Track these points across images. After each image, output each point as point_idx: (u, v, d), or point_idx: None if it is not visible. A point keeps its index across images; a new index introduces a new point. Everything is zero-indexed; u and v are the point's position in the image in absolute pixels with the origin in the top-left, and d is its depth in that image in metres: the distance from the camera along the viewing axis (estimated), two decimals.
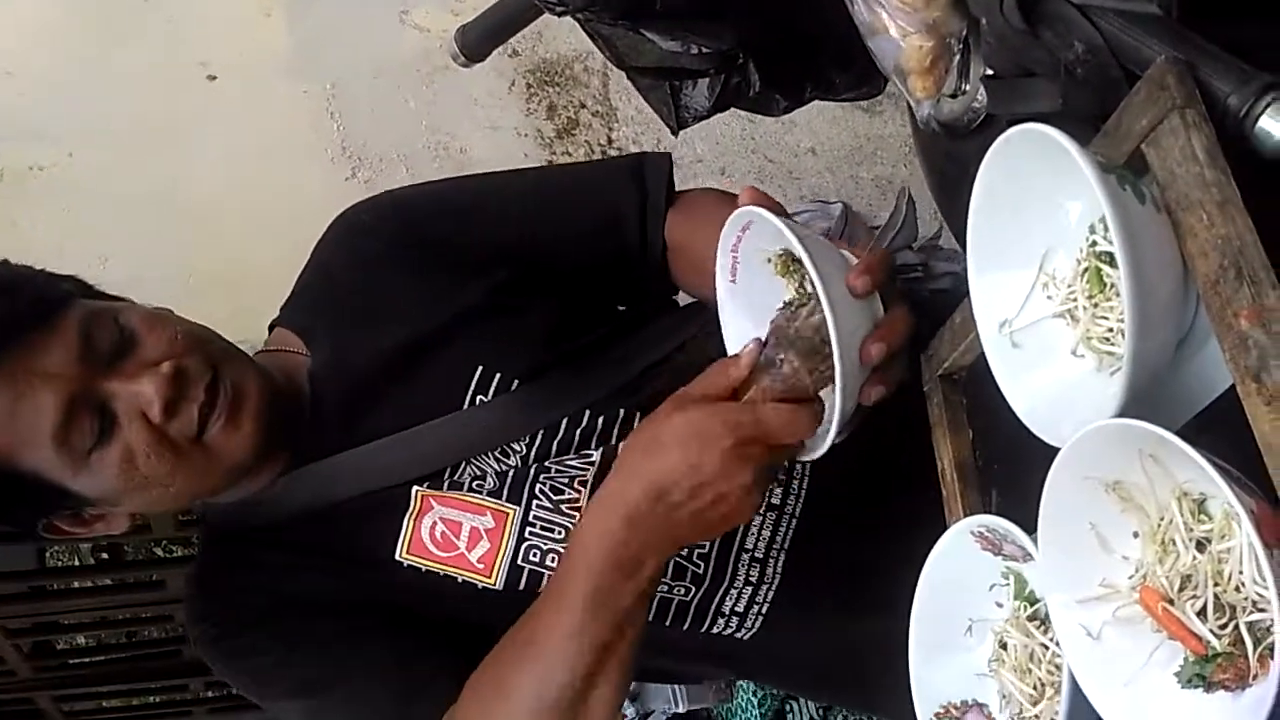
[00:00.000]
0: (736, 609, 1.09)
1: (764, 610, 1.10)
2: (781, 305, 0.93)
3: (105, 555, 2.97)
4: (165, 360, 0.98)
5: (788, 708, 1.81)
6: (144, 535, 2.66)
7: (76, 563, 3.36)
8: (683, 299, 1.22)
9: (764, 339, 0.91)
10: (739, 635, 1.11)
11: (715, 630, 1.10)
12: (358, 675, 1.05)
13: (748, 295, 0.95)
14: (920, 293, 1.13)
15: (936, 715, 0.86)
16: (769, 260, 0.94)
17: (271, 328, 1.19)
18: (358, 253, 1.15)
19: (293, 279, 1.21)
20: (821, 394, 0.91)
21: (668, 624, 1.08)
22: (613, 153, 1.90)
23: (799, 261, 0.89)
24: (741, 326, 0.96)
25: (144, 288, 1.94)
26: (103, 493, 1.01)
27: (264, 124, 1.86)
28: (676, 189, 1.19)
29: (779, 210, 0.93)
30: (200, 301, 1.97)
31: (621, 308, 1.17)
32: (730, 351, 0.95)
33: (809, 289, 0.90)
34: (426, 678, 1.03)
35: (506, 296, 1.11)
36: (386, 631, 1.06)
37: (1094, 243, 0.73)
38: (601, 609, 0.91)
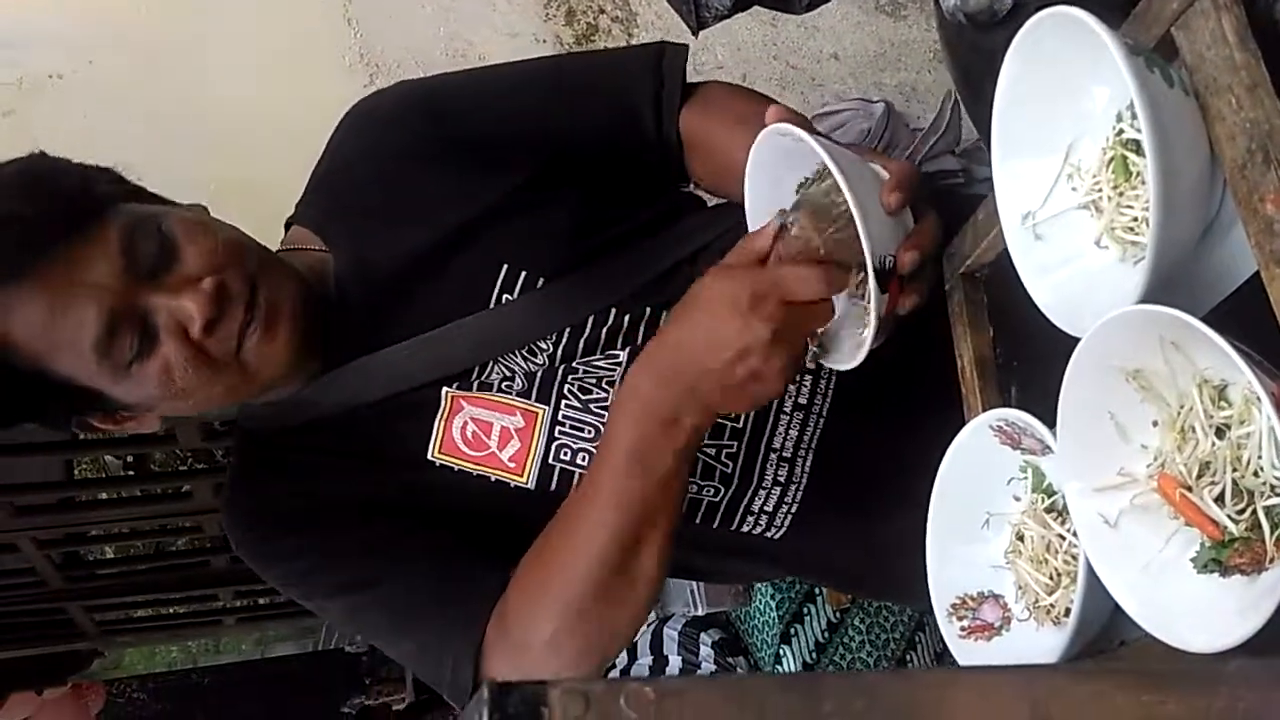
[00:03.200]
0: (766, 508, 1.10)
1: (793, 510, 1.10)
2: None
3: (132, 467, 3.01)
4: (206, 275, 0.97)
5: (805, 610, 1.84)
6: (170, 445, 2.69)
7: (104, 475, 3.41)
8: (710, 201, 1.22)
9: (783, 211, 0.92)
10: (769, 534, 1.12)
11: (745, 529, 1.11)
12: (397, 575, 1.06)
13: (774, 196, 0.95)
14: (960, 196, 1.12)
15: (953, 606, 0.87)
16: (802, 180, 0.95)
17: (288, 225, 1.18)
18: (376, 144, 1.13)
19: None
20: (857, 303, 0.92)
21: (698, 522, 1.09)
22: None
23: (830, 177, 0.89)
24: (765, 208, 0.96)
25: (161, 193, 1.95)
26: (138, 400, 1.02)
27: (282, 31, 1.84)
28: (703, 82, 1.18)
29: (809, 128, 0.93)
30: (220, 210, 1.97)
31: (646, 205, 1.16)
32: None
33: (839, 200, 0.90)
34: (465, 573, 1.04)
35: (530, 193, 1.10)
36: (425, 531, 1.07)
37: (1120, 130, 0.73)
38: (640, 467, 0.93)
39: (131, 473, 3.08)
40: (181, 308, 0.96)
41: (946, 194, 1.14)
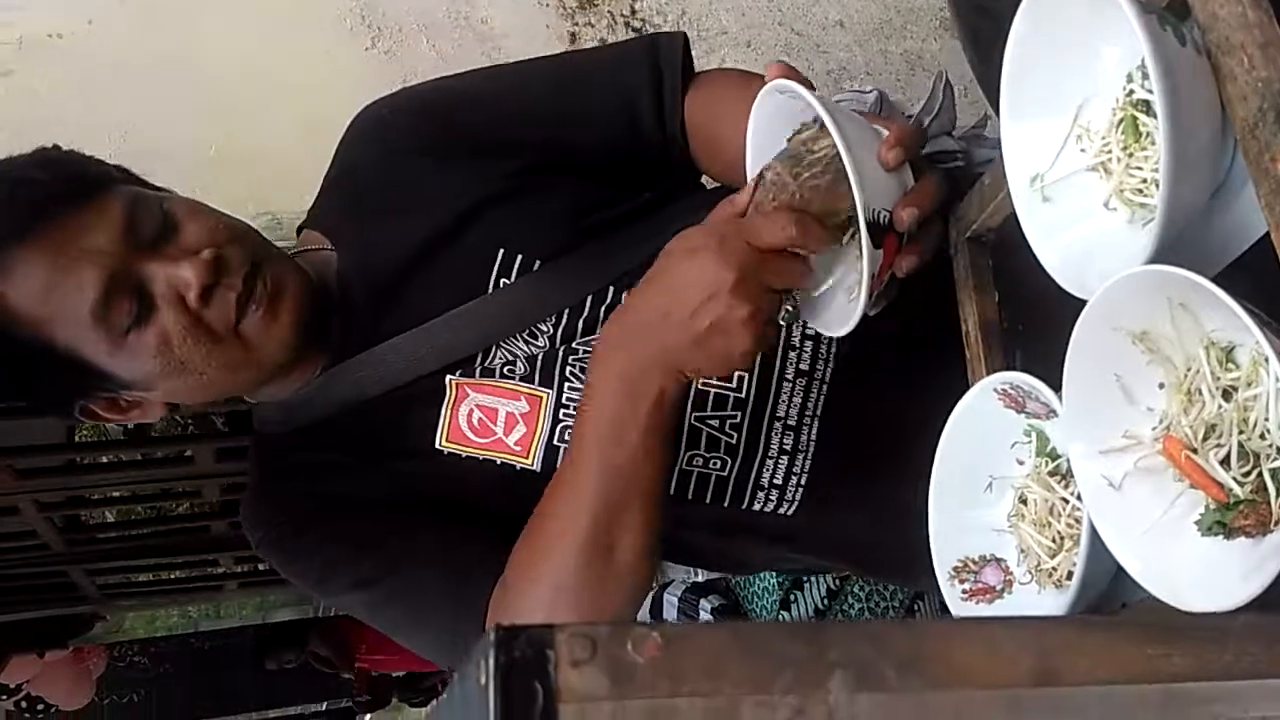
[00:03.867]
0: (775, 481, 1.09)
1: (803, 481, 1.09)
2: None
3: (132, 431, 3.02)
4: (206, 247, 0.98)
5: (805, 577, 1.84)
6: (171, 410, 2.69)
7: (105, 438, 3.41)
8: (708, 184, 1.21)
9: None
10: (782, 510, 1.10)
11: (757, 506, 1.10)
12: (411, 566, 1.06)
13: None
14: (960, 177, 1.11)
15: (954, 569, 0.87)
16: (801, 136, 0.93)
17: (300, 231, 1.19)
18: (379, 146, 1.15)
19: (313, 151, 1.20)
20: (851, 264, 0.91)
21: (709, 501, 1.08)
22: (635, 24, 1.86)
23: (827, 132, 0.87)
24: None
25: (165, 159, 1.94)
26: (138, 375, 1.02)
27: None
28: (697, 68, 1.17)
29: (808, 85, 0.91)
30: (221, 173, 1.97)
31: (646, 193, 1.16)
32: None
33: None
34: (475, 559, 1.04)
35: (527, 178, 1.10)
36: (435, 521, 1.08)
37: (1131, 91, 0.72)
38: (611, 437, 0.92)
39: (133, 433, 3.09)
40: (178, 274, 0.97)
41: (947, 175, 1.13)
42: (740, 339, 0.87)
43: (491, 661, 0.41)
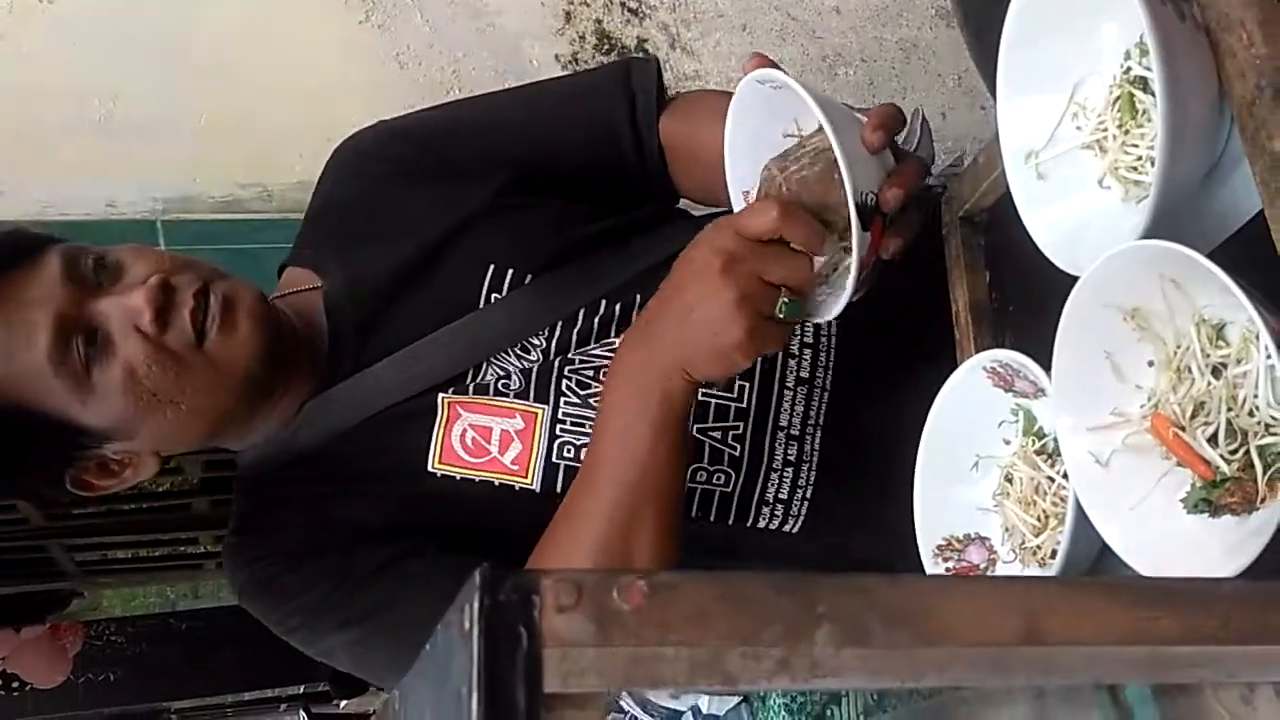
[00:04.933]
0: (780, 495, 1.07)
1: (808, 495, 1.08)
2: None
3: None
4: (153, 275, 0.97)
5: None
6: (163, 461, 2.67)
7: None
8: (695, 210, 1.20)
9: None
10: (787, 528, 1.08)
11: (762, 524, 1.08)
12: (405, 600, 1.02)
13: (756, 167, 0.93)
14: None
15: (938, 547, 0.87)
16: (783, 136, 0.92)
17: (280, 270, 1.17)
18: (360, 177, 1.14)
19: (305, 122, 1.19)
20: (833, 249, 0.90)
21: (713, 519, 1.07)
22: (630, 3, 1.85)
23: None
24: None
25: (155, 127, 1.93)
26: (115, 419, 0.99)
27: None
28: (693, 50, 1.17)
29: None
30: (212, 144, 1.95)
31: (626, 215, 1.15)
32: None
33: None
34: None
35: (512, 197, 1.10)
36: (432, 550, 1.04)
37: (1128, 68, 0.72)
38: (623, 443, 0.90)
39: None
40: (129, 302, 0.96)
41: (930, 200, 1.12)
42: (730, 327, 0.85)
43: (476, 605, 0.40)
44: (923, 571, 0.88)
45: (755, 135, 0.91)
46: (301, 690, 4.95)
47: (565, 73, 1.89)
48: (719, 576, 0.43)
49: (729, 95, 1.05)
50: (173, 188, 1.88)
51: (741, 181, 0.93)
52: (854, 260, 0.85)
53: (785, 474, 1.07)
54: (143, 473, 1.06)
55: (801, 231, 0.84)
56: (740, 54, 1.79)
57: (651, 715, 1.96)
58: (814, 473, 1.08)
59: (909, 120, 1.05)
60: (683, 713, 1.84)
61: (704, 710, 1.84)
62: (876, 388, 1.08)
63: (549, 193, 1.12)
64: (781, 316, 0.86)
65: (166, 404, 0.98)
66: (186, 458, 2.68)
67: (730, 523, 1.07)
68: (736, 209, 0.93)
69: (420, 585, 1.02)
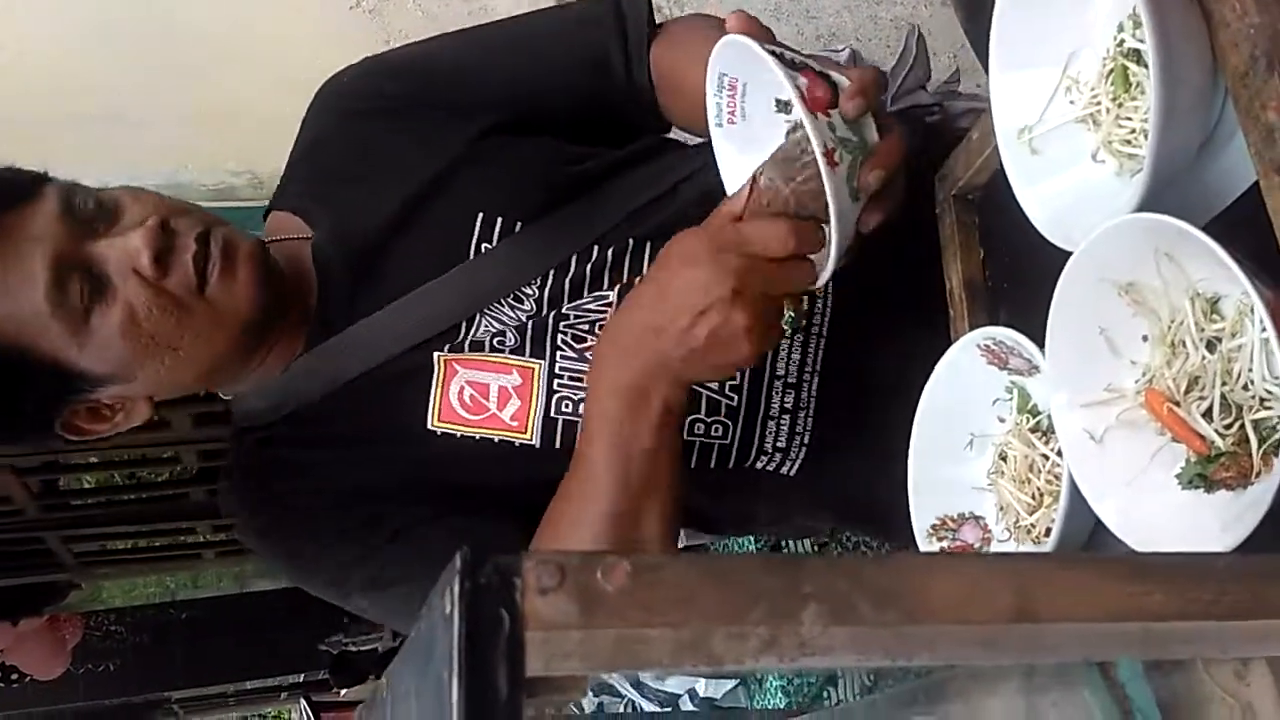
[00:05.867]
0: (779, 444, 1.07)
1: (805, 440, 1.07)
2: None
3: None
4: (151, 217, 0.96)
5: (784, 545, 1.84)
6: (154, 407, 2.66)
7: None
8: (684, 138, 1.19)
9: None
10: (784, 470, 1.09)
11: (759, 466, 1.08)
12: (418, 565, 1.03)
13: (744, 138, 0.91)
14: (939, 130, 1.10)
15: (932, 527, 0.86)
16: (774, 103, 0.91)
17: (266, 213, 1.15)
18: (344, 119, 1.12)
19: (295, 110, 1.17)
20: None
21: (713, 466, 1.06)
22: None
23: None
24: (741, 168, 0.92)
25: (145, 118, 1.92)
26: (112, 364, 0.98)
27: None
28: (671, 19, 1.15)
29: (765, 36, 0.88)
30: (202, 131, 1.94)
31: (621, 147, 1.13)
32: (729, 192, 0.92)
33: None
34: (490, 544, 1.01)
35: (498, 139, 1.08)
36: (439, 512, 1.05)
37: (1121, 41, 0.71)
38: (618, 449, 0.91)
39: None
40: (127, 243, 0.95)
41: (926, 129, 1.12)
42: (739, 349, 0.86)
43: (456, 589, 0.40)
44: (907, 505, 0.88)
45: (735, 91, 0.90)
46: (302, 679, 4.96)
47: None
48: (703, 557, 0.42)
49: (717, 22, 1.04)
50: (164, 176, 1.87)
51: (730, 166, 0.92)
52: (833, 241, 0.84)
53: (782, 421, 1.07)
54: (134, 418, 1.06)
55: (811, 245, 0.86)
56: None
57: (648, 699, 1.96)
58: (811, 419, 1.07)
59: (904, 40, 1.04)
60: (680, 695, 1.85)
61: (701, 694, 1.84)
62: (872, 334, 1.06)
63: (537, 130, 1.10)
64: (788, 329, 0.91)
65: (165, 349, 0.97)
66: (183, 447, 2.68)
67: (729, 468, 1.07)
68: (727, 182, 0.93)
69: (435, 551, 1.00)
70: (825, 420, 1.07)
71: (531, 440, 1.03)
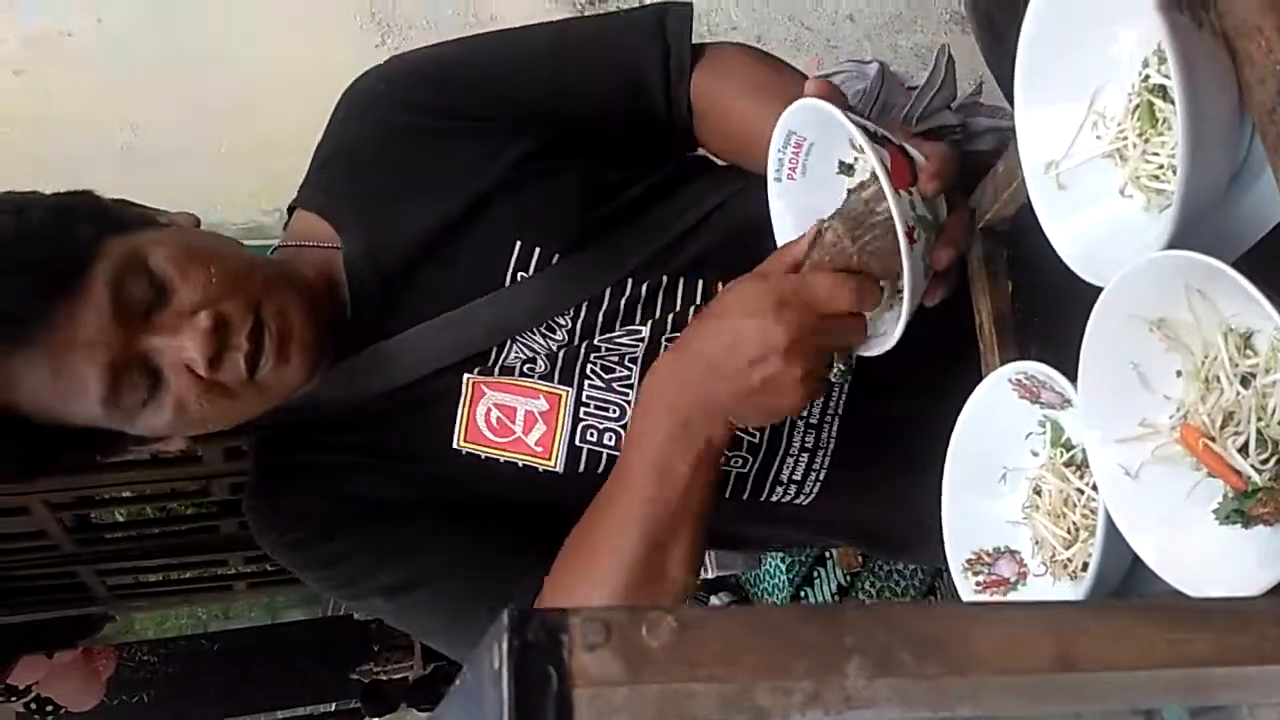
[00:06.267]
0: (794, 478, 1.08)
1: (821, 476, 1.09)
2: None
3: None
4: (202, 309, 0.94)
5: (815, 574, 1.84)
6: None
7: None
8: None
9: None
10: (799, 502, 1.10)
11: (774, 499, 1.09)
12: (439, 575, 1.05)
13: (801, 193, 0.94)
14: (961, 153, 1.10)
15: (968, 561, 0.86)
16: (837, 164, 0.93)
17: (290, 209, 1.15)
18: (376, 124, 1.10)
19: None
20: (889, 296, 0.91)
21: (728, 496, 1.07)
22: None
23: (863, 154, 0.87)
24: (793, 222, 0.95)
25: (177, 155, 1.94)
26: (159, 434, 1.01)
27: None
28: (713, 44, 1.15)
29: (842, 102, 0.90)
30: (232, 170, 1.97)
31: (655, 168, 1.13)
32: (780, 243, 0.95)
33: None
34: (509, 564, 1.03)
35: (537, 162, 1.07)
36: (461, 527, 1.06)
37: (1147, 76, 0.72)
38: (657, 479, 0.92)
39: None
40: (181, 348, 0.93)
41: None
42: (790, 398, 0.89)
43: (505, 646, 0.40)
44: (934, 530, 0.89)
45: (801, 165, 0.93)
46: (334, 708, 4.96)
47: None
48: (747, 610, 0.42)
49: (760, 54, 1.05)
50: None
51: (784, 220, 0.94)
52: (904, 313, 0.87)
53: (801, 459, 1.08)
54: (171, 446, 1.07)
55: (871, 303, 0.89)
56: None
57: None
58: (829, 458, 1.09)
59: (934, 59, 1.06)
60: None
61: None
62: (897, 378, 1.06)
63: (573, 150, 1.09)
64: (835, 381, 0.93)
65: (210, 422, 1.00)
66: (214, 480, 2.69)
67: (744, 498, 1.09)
68: (780, 233, 0.95)
69: (456, 564, 1.05)
70: (842, 458, 1.09)
71: (555, 467, 1.04)
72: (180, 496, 2.96)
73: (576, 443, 1.03)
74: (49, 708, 4.00)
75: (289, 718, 5.16)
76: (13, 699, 3.84)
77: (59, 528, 2.69)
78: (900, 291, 0.86)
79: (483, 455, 1.05)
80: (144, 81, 1.81)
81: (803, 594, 1.83)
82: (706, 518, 0.95)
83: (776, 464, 1.08)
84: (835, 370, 0.92)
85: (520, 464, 1.04)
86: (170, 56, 1.81)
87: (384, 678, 4.53)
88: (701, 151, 1.18)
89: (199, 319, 0.93)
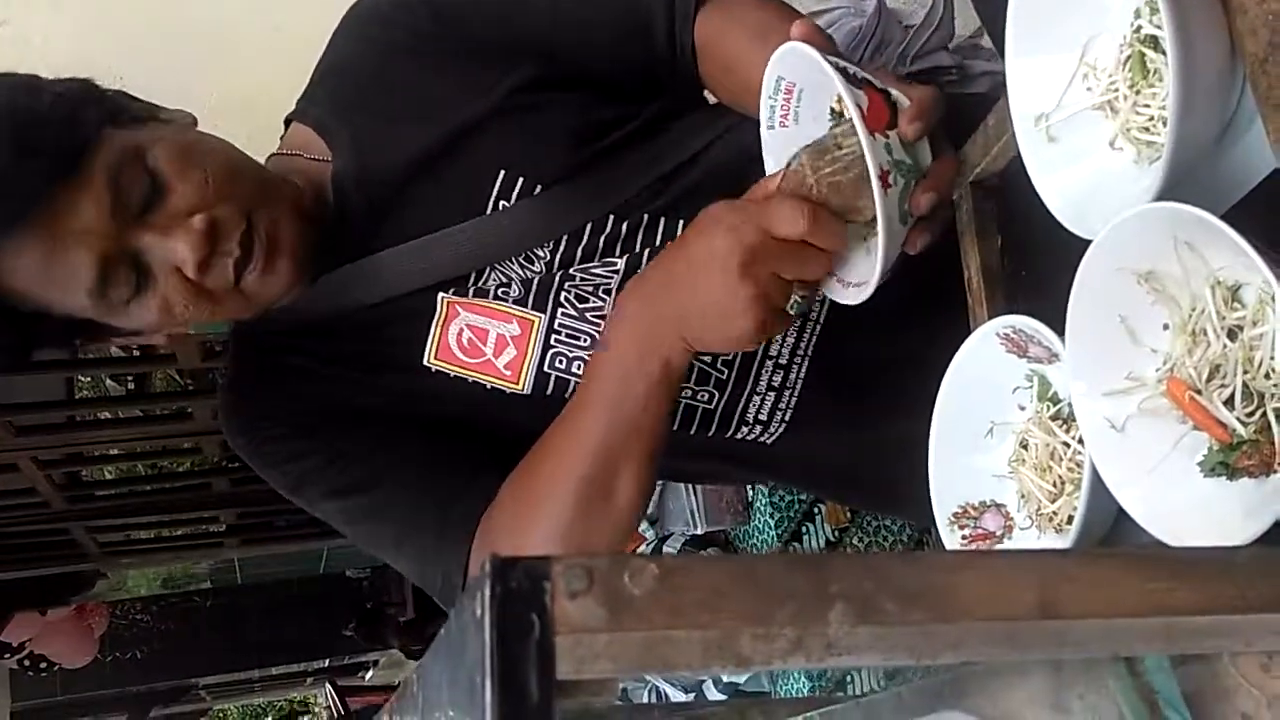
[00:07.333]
0: (760, 416, 1.10)
1: (787, 416, 1.10)
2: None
3: (132, 386, 3.01)
4: (197, 212, 0.95)
5: (804, 529, 1.85)
6: (169, 365, 2.68)
7: (105, 393, 3.41)
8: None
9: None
10: (763, 440, 1.12)
11: (739, 436, 1.11)
12: (395, 479, 1.07)
13: (794, 140, 0.92)
14: (957, 96, 1.10)
15: (954, 515, 0.87)
16: (828, 109, 0.92)
17: (288, 121, 1.16)
18: (376, 44, 1.11)
19: None
20: (866, 241, 0.90)
21: (693, 431, 1.09)
22: None
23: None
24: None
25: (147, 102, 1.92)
26: (140, 330, 1.03)
27: None
28: None
29: (827, 45, 0.89)
30: (222, 121, 1.93)
31: (647, 104, 1.13)
32: None
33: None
34: (464, 480, 1.05)
35: (530, 94, 1.08)
36: (422, 438, 1.08)
37: (1138, 27, 0.71)
38: (618, 393, 0.94)
39: (132, 389, 3.09)
40: (173, 249, 0.95)
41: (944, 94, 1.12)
42: (740, 320, 0.88)
43: (487, 593, 0.40)
44: (912, 484, 0.89)
45: (790, 111, 0.92)
46: (327, 664, 5.00)
47: None
48: (730, 558, 0.42)
49: (770, 1, 1.04)
50: None
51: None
52: (879, 261, 0.85)
53: (767, 397, 1.10)
54: (149, 341, 1.11)
55: (827, 238, 0.87)
56: None
57: (673, 683, 1.98)
58: (795, 398, 1.10)
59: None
60: (704, 681, 1.86)
61: (724, 677, 1.85)
62: (868, 325, 1.05)
63: (570, 85, 1.09)
64: (792, 313, 0.91)
65: (191, 324, 1.02)
66: (205, 438, 2.70)
67: (709, 435, 1.10)
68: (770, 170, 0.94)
69: (407, 475, 1.07)
70: (808, 400, 1.10)
71: (522, 390, 1.06)
72: (171, 454, 2.97)
73: (545, 369, 1.05)
74: (43, 665, 4.02)
75: (283, 673, 5.20)
76: (6, 655, 3.86)
77: (49, 485, 2.70)
78: (876, 236, 0.85)
79: (451, 374, 1.07)
80: (129, 34, 1.79)
81: (791, 549, 1.84)
82: (659, 448, 0.97)
83: (743, 402, 1.09)
84: (792, 302, 0.90)
85: (488, 385, 1.06)
86: (156, 8, 1.79)
87: (389, 611, 4.54)
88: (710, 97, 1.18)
89: (193, 222, 0.95)
